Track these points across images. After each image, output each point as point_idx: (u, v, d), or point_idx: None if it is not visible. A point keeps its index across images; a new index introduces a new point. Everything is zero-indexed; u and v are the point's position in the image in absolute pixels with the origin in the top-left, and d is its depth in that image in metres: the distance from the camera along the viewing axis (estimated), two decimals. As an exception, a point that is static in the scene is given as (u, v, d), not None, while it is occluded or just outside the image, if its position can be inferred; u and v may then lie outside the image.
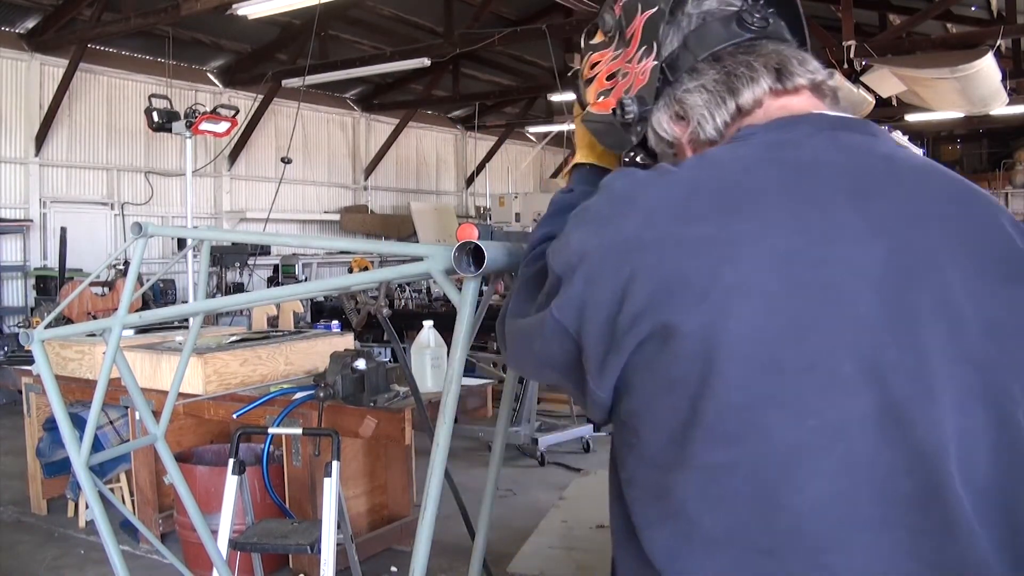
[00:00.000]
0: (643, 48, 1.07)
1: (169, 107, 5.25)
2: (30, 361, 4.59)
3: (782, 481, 0.84)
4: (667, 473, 0.88)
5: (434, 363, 3.75)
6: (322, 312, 8.48)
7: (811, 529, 0.84)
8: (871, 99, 8.64)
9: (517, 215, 13.13)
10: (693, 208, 0.89)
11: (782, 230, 0.87)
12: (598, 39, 1.20)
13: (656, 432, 0.90)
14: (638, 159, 1.13)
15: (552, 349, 0.97)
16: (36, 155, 10.09)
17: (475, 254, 1.29)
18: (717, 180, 0.92)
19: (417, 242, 12.92)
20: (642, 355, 0.88)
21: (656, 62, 1.05)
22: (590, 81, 1.19)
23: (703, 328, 0.84)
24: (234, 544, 2.93)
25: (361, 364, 3.53)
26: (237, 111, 5.52)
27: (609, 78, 1.14)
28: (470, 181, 16.97)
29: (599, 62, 1.18)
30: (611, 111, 1.10)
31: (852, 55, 8.48)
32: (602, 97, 1.14)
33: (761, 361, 0.84)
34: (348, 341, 4.41)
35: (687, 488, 0.87)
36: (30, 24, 9.87)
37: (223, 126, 5.28)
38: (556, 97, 12.37)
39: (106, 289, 6.99)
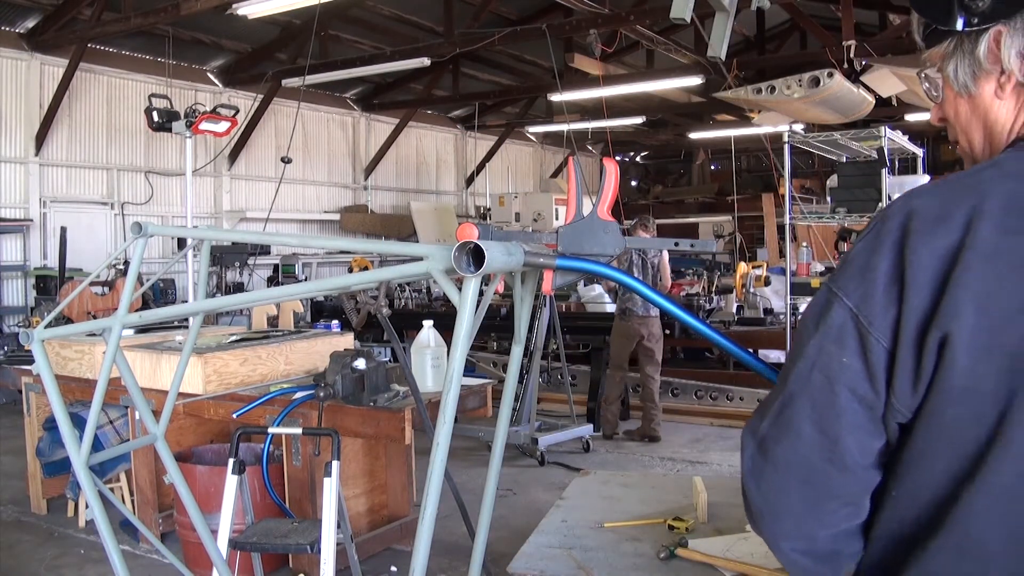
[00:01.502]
0: None
1: (169, 107, 5.26)
2: (30, 361, 4.59)
3: None
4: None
5: (434, 363, 3.75)
6: (322, 312, 8.49)
7: None
8: (871, 99, 8.65)
9: (517, 215, 13.12)
10: (1011, 221, 0.90)
11: None
12: None
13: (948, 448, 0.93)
14: (954, 42, 1.05)
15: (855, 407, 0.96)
16: (36, 155, 10.10)
17: (475, 254, 1.29)
18: None
19: (417, 242, 12.92)
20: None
21: None
22: None
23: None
24: (234, 544, 2.93)
25: (361, 364, 3.52)
26: (237, 111, 5.53)
27: None
28: (470, 181, 16.96)
29: None
30: None
31: (852, 55, 8.48)
32: None
33: None
34: (348, 341, 4.41)
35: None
36: (30, 24, 9.88)
37: (223, 126, 5.29)
38: (556, 97, 12.34)
39: (106, 289, 6.99)
